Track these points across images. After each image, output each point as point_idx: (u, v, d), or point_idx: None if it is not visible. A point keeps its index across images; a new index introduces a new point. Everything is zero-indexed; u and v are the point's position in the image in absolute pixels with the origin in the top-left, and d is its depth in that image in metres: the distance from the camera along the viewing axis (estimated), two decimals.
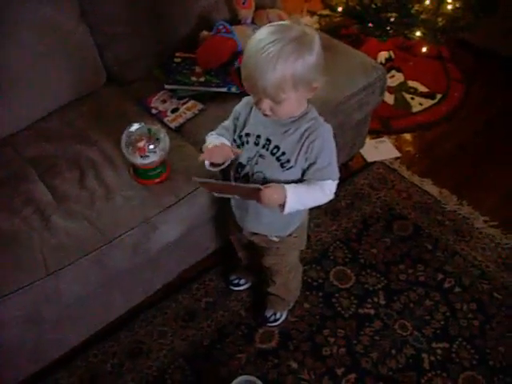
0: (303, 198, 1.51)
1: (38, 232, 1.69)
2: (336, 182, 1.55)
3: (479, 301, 2.18)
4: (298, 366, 1.99)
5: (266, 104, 1.39)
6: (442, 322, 2.11)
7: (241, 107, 1.61)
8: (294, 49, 1.31)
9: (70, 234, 1.69)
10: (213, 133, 1.63)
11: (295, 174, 1.53)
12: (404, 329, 2.09)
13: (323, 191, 1.52)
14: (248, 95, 1.53)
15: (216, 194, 1.62)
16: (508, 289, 2.22)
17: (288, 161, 1.50)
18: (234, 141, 1.60)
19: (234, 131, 1.61)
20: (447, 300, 2.18)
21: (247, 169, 1.57)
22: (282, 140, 1.50)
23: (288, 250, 1.81)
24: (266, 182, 1.51)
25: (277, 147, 1.51)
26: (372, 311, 2.15)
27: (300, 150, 1.49)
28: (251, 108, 1.56)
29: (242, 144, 1.57)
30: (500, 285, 2.23)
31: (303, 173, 1.53)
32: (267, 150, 1.52)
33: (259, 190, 1.44)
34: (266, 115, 1.44)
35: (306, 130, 1.48)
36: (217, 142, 1.56)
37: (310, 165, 1.51)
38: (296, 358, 2.01)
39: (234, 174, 1.61)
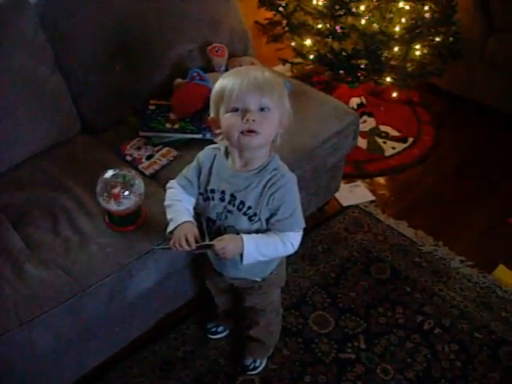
0: (262, 248, 1.51)
1: (10, 281, 1.63)
2: (299, 233, 1.55)
3: (460, 341, 2.16)
4: None
5: (254, 114, 1.36)
6: (424, 364, 2.09)
7: (204, 158, 1.58)
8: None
9: (43, 283, 1.65)
10: (174, 183, 1.62)
11: (264, 224, 1.53)
12: (386, 372, 2.06)
13: (283, 243, 1.52)
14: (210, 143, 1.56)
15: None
16: (488, 328, 2.21)
17: (255, 214, 1.51)
18: (201, 194, 1.59)
19: (198, 186, 1.59)
20: (428, 341, 2.16)
21: (218, 223, 1.57)
22: (246, 195, 1.49)
23: (270, 287, 1.79)
24: (238, 233, 1.51)
25: (242, 203, 1.50)
26: (353, 356, 2.12)
27: (262, 202, 1.48)
28: (213, 161, 1.55)
29: (208, 199, 1.56)
30: (480, 324, 2.22)
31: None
32: (233, 205, 1.52)
33: (212, 246, 1.45)
34: (249, 131, 1.38)
35: (267, 182, 1.48)
36: (178, 219, 1.53)
37: (272, 215, 1.50)
38: None
39: (206, 228, 1.60)
